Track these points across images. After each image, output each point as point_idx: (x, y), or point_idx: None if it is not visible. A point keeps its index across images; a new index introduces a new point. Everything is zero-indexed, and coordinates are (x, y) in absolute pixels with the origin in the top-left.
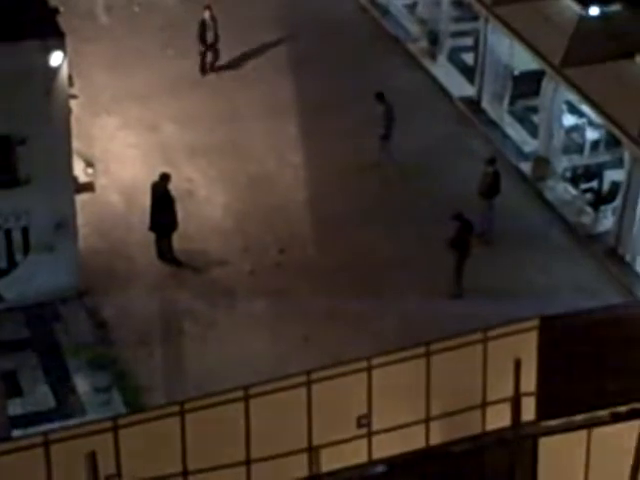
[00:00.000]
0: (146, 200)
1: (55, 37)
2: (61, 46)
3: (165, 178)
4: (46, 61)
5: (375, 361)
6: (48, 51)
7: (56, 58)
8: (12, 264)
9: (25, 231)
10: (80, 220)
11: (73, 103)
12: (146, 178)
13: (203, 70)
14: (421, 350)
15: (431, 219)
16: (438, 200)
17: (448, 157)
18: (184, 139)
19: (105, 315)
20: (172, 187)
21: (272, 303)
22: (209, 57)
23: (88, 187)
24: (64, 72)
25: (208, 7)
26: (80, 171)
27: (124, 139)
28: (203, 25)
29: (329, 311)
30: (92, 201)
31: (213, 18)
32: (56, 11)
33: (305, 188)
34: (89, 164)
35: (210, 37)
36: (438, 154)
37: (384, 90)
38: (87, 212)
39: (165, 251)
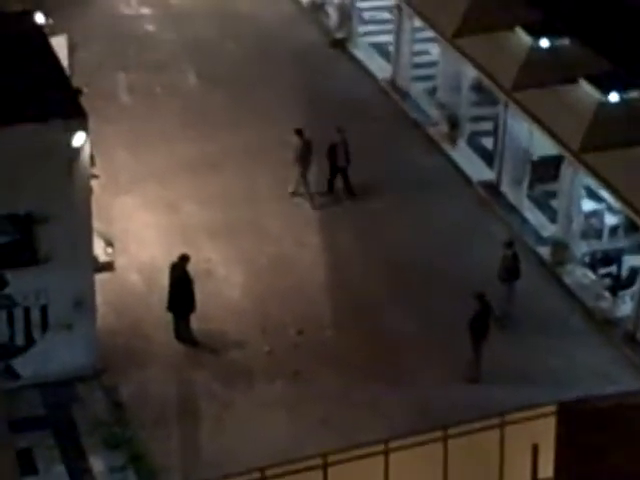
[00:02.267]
0: (165, 280)
1: (78, 118)
2: (83, 126)
3: (184, 259)
4: (69, 141)
5: (392, 444)
6: (71, 131)
7: (78, 138)
8: (30, 342)
9: (44, 309)
10: (99, 299)
11: (94, 183)
12: (165, 258)
13: (330, 189)
14: (438, 434)
15: (450, 302)
16: (457, 283)
17: (467, 240)
18: (203, 219)
19: (122, 395)
20: (191, 267)
21: (289, 384)
22: (338, 181)
23: (107, 266)
24: (86, 152)
25: (340, 130)
26: (100, 250)
27: (143, 219)
28: (333, 148)
29: (346, 393)
30: (111, 280)
31: (344, 141)
32: (79, 92)
33: (323, 270)
34: (109, 243)
35: (341, 160)
36: (457, 237)
37: (407, 176)
38: (106, 291)
39: (182, 332)
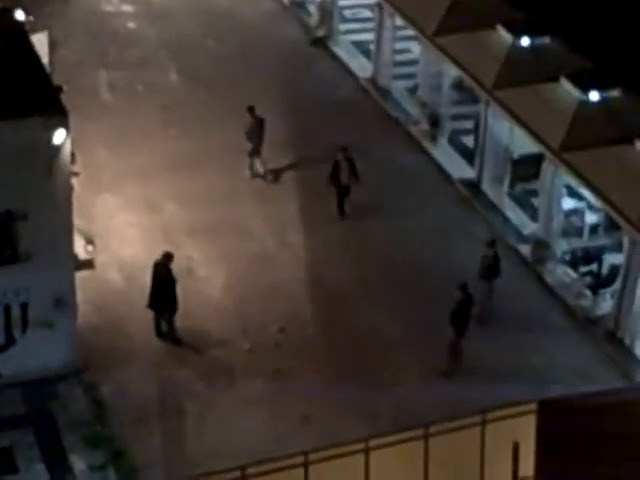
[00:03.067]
0: (146, 278)
1: (58, 115)
2: (64, 124)
3: (168, 257)
4: (49, 139)
5: (373, 442)
6: (51, 129)
7: (59, 136)
8: (10, 340)
9: (24, 307)
10: (79, 297)
11: (75, 180)
12: (146, 256)
13: (341, 212)
14: (419, 432)
15: (431, 300)
16: (437, 281)
17: (448, 238)
18: (184, 218)
19: (102, 393)
20: (172, 265)
21: (271, 382)
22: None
23: (88, 264)
24: (67, 150)
25: (343, 149)
26: (80, 248)
27: (125, 217)
28: (337, 165)
29: (327, 391)
30: (92, 278)
31: (349, 159)
32: (59, 89)
33: (305, 268)
34: (89, 241)
35: (344, 178)
36: (438, 235)
37: (387, 174)
38: (87, 289)
39: (165, 330)
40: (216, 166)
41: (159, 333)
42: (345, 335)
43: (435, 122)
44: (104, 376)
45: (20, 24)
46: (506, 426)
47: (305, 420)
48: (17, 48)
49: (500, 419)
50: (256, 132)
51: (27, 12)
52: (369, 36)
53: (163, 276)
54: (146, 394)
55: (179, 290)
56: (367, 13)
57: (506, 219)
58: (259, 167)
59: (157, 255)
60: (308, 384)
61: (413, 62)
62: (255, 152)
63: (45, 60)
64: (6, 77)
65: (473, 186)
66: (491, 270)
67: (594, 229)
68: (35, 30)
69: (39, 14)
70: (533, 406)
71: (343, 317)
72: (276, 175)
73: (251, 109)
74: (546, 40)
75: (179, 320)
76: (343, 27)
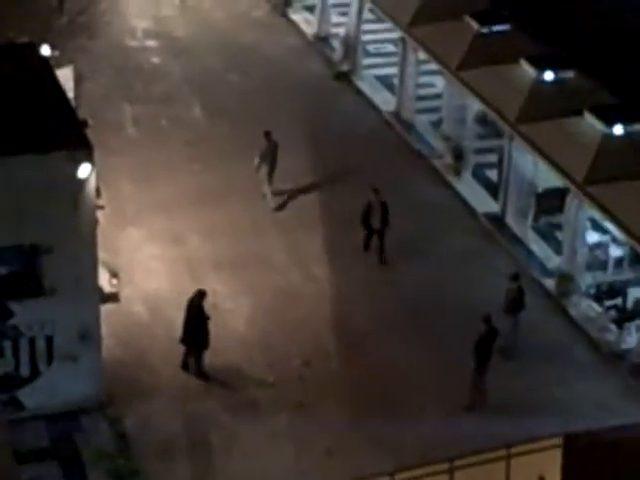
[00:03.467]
0: (170, 311)
1: (83, 149)
2: (89, 158)
3: (201, 295)
4: (74, 173)
5: (398, 476)
6: (76, 163)
7: (84, 170)
8: (35, 373)
9: (49, 340)
10: (104, 330)
11: (100, 214)
12: (170, 289)
13: (366, 247)
14: (444, 466)
15: (455, 334)
16: (462, 315)
17: (472, 272)
18: (208, 251)
19: (126, 426)
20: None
21: (295, 416)
22: (374, 240)
23: (113, 297)
24: (92, 184)
25: (375, 190)
26: (105, 281)
27: (149, 250)
28: (368, 208)
29: (352, 425)
30: (116, 311)
31: (381, 202)
32: (85, 123)
33: (330, 302)
34: (114, 275)
35: (376, 222)
36: (462, 269)
37: (411, 208)
38: (111, 322)
39: (195, 366)
40: (239, 199)
41: (184, 366)
42: (369, 369)
43: (459, 156)
44: (128, 409)
45: (45, 59)
46: (531, 460)
47: (329, 454)
48: (42, 83)
49: (525, 453)
50: (269, 156)
51: (52, 47)
52: (392, 70)
53: (196, 313)
54: (170, 427)
55: None
56: (390, 47)
57: (530, 253)
58: (267, 190)
59: (182, 288)
60: (332, 418)
61: (437, 96)
62: (270, 175)
63: (70, 94)
64: (32, 112)
65: (497, 220)
66: (516, 304)
67: (619, 263)
68: (60, 64)
69: (64, 48)
70: (558, 440)
71: (367, 351)
72: (282, 204)
73: (267, 134)
74: (570, 74)
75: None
76: (366, 61)
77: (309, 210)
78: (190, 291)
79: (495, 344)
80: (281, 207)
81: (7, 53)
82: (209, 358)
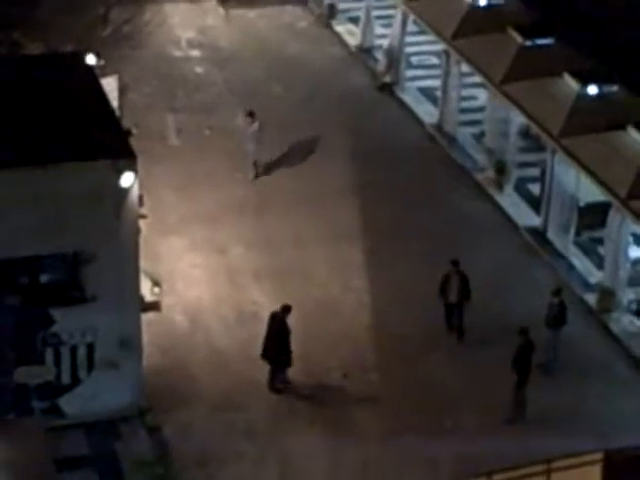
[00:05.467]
0: (211, 321)
1: (127, 158)
2: (132, 167)
3: (285, 310)
4: (117, 181)
5: None
6: (120, 172)
7: (127, 179)
8: (76, 380)
9: (90, 348)
10: (145, 339)
11: (142, 223)
12: (211, 299)
13: (449, 326)
14: None
15: (494, 347)
16: (501, 328)
17: (513, 286)
18: (250, 261)
19: (166, 434)
20: (237, 308)
21: (333, 428)
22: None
23: (154, 306)
24: (135, 192)
25: (454, 262)
26: (146, 290)
27: (191, 260)
28: (446, 279)
29: (390, 438)
30: (157, 320)
31: (461, 274)
32: (128, 133)
33: (370, 314)
34: (156, 283)
35: (452, 295)
36: (503, 284)
37: (453, 221)
38: (152, 331)
39: (278, 381)
40: (282, 210)
41: (272, 386)
42: (408, 382)
43: (501, 169)
44: (168, 417)
45: (90, 68)
46: (571, 476)
47: (366, 466)
48: (88, 91)
49: (565, 468)
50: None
51: (98, 56)
52: (435, 83)
53: (279, 328)
54: (209, 436)
55: (243, 333)
56: (434, 60)
57: (572, 267)
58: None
59: (223, 298)
60: (370, 430)
61: (479, 109)
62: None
63: (115, 103)
64: (77, 120)
65: (539, 234)
66: (557, 319)
67: None
68: (105, 74)
69: (109, 58)
70: (598, 456)
71: (406, 363)
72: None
73: (252, 114)
74: (613, 88)
75: (243, 364)
76: (410, 73)
77: (350, 222)
78: (231, 301)
79: (535, 358)
80: (257, 176)
81: (53, 62)
82: (248, 367)
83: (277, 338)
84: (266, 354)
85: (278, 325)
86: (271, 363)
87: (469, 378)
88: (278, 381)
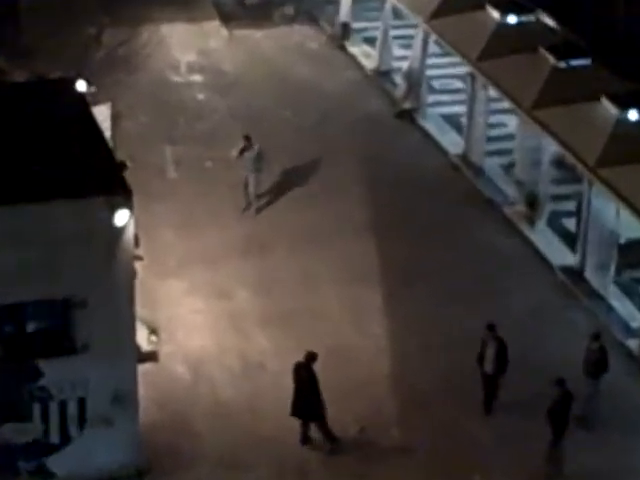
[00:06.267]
0: (214, 371)
1: (121, 194)
2: (127, 204)
3: (312, 358)
4: (110, 220)
5: None
6: (113, 209)
7: (121, 217)
8: (66, 438)
9: (81, 403)
10: (141, 392)
11: (138, 265)
12: (214, 347)
13: (487, 407)
14: None
15: (527, 397)
16: (534, 376)
17: (547, 330)
18: (256, 306)
19: None
20: (242, 358)
21: None
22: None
23: (151, 356)
24: (130, 232)
25: (490, 327)
26: (143, 339)
27: (191, 305)
28: (483, 347)
29: None
30: (155, 371)
31: (498, 341)
32: (123, 166)
33: (389, 361)
34: (153, 331)
35: (488, 365)
36: (536, 327)
37: (481, 259)
38: (149, 383)
39: (324, 433)
40: (290, 249)
41: (306, 441)
42: (432, 437)
43: (533, 203)
44: (168, 479)
45: (81, 95)
46: None
47: None
48: (77, 121)
49: None
50: (255, 163)
51: (89, 82)
52: (460, 108)
53: (307, 377)
54: None
55: (249, 385)
56: (458, 84)
57: (611, 310)
58: (252, 198)
59: (227, 346)
60: None
61: (509, 137)
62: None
63: (108, 134)
64: (65, 153)
65: (575, 273)
66: (597, 366)
67: None
68: (97, 101)
69: (102, 84)
70: None
71: (430, 417)
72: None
73: (248, 138)
74: None
75: (250, 417)
76: (431, 99)
77: (366, 260)
78: (235, 349)
79: (572, 410)
80: (259, 211)
81: (39, 89)
82: (256, 422)
83: (309, 390)
84: (298, 411)
85: (307, 376)
86: (306, 419)
87: (500, 432)
88: (326, 438)
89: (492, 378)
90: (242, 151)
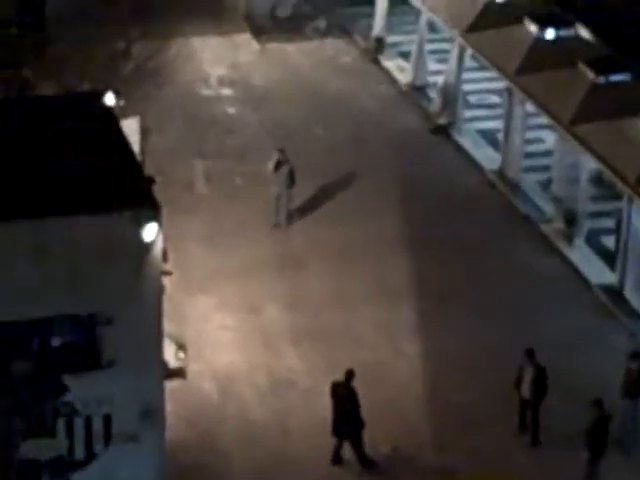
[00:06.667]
0: (243, 389)
1: (149, 209)
2: (156, 218)
3: (350, 375)
4: (139, 235)
5: None
6: (141, 224)
7: (150, 232)
8: (90, 455)
9: (107, 419)
10: (169, 409)
11: (166, 280)
12: (243, 364)
13: (521, 425)
14: None
15: (564, 419)
16: (571, 397)
17: (586, 352)
18: (286, 323)
19: None
20: (272, 376)
21: None
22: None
23: (179, 373)
24: (158, 247)
25: (529, 352)
26: (170, 355)
27: (220, 321)
28: (520, 372)
29: None
30: (183, 388)
31: (536, 366)
32: (151, 180)
33: (421, 381)
34: (181, 347)
35: (525, 390)
36: (573, 347)
37: (517, 277)
38: (177, 400)
39: (360, 454)
40: (322, 265)
41: (337, 460)
42: (466, 460)
43: (571, 220)
44: None
45: (109, 108)
46: None
47: None
48: (105, 135)
49: None
50: (287, 178)
51: (117, 95)
52: (497, 124)
53: (347, 396)
54: None
55: (278, 404)
56: (495, 99)
57: None
58: (282, 217)
59: (256, 364)
60: None
61: (546, 153)
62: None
63: (136, 148)
64: (93, 167)
65: (614, 292)
66: (637, 386)
67: None
68: (126, 115)
69: (130, 98)
70: None
71: (464, 438)
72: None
73: (282, 151)
74: None
75: (280, 437)
76: (467, 114)
77: (401, 279)
78: (265, 367)
79: (610, 433)
80: (290, 226)
81: (67, 102)
82: (286, 442)
83: (350, 408)
84: (340, 431)
85: (347, 394)
86: (347, 438)
87: (536, 454)
88: (360, 459)
89: (533, 403)
90: (277, 165)
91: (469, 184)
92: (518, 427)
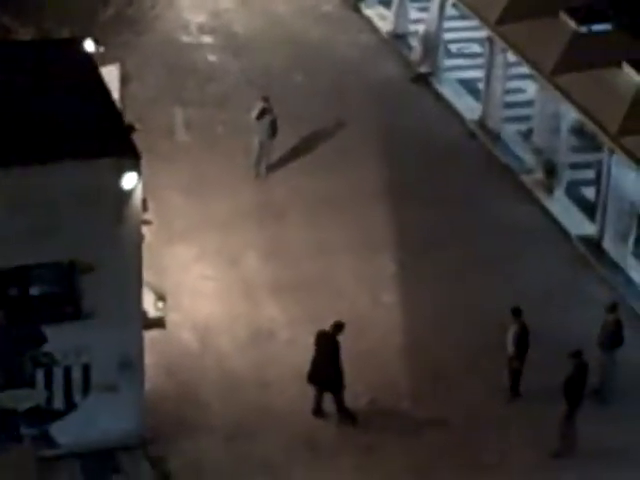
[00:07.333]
0: (222, 339)
1: (129, 157)
2: (135, 167)
3: (338, 328)
4: (118, 183)
5: None
6: (121, 172)
7: (130, 180)
8: (69, 405)
9: (86, 369)
10: (148, 359)
11: (146, 229)
12: (223, 315)
13: (513, 390)
14: None
15: (541, 370)
16: (549, 349)
17: (563, 302)
18: (267, 273)
19: (171, 467)
20: (251, 326)
21: (359, 460)
22: None
23: (158, 323)
24: (138, 195)
25: (515, 310)
26: (150, 305)
27: (200, 271)
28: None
29: (424, 473)
30: (162, 339)
31: (519, 323)
32: (131, 128)
33: (401, 332)
34: (160, 297)
35: (509, 348)
36: (552, 298)
37: (496, 228)
38: (156, 350)
39: (339, 407)
40: (302, 215)
41: (318, 411)
42: (444, 411)
43: (551, 171)
44: (173, 448)
45: (89, 55)
46: None
47: None
48: (85, 82)
49: None
50: (270, 127)
51: (97, 42)
52: (478, 73)
53: (331, 348)
54: (220, 469)
55: (258, 355)
56: (476, 48)
57: (630, 281)
58: (263, 166)
59: (236, 314)
60: (401, 464)
61: (527, 103)
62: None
63: (116, 95)
64: (73, 114)
65: (593, 244)
66: (613, 338)
67: None
68: (105, 62)
69: (110, 44)
70: None
71: (442, 390)
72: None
73: (266, 99)
74: None
75: (257, 389)
76: (448, 63)
77: (380, 229)
78: (245, 318)
79: (587, 384)
80: (270, 175)
81: (46, 49)
82: (262, 393)
83: (330, 360)
84: (315, 378)
85: (331, 345)
86: (322, 387)
87: (514, 407)
88: (340, 412)
89: (516, 358)
90: (261, 114)
91: (449, 134)
92: (511, 394)
